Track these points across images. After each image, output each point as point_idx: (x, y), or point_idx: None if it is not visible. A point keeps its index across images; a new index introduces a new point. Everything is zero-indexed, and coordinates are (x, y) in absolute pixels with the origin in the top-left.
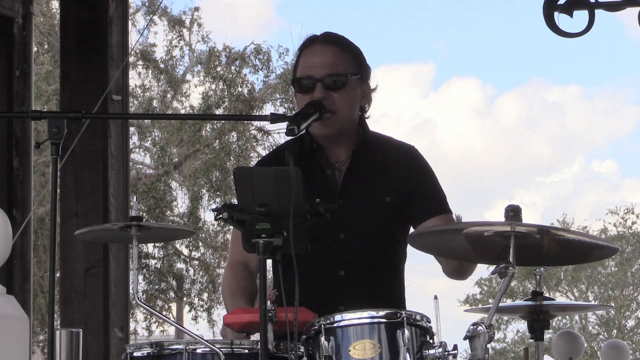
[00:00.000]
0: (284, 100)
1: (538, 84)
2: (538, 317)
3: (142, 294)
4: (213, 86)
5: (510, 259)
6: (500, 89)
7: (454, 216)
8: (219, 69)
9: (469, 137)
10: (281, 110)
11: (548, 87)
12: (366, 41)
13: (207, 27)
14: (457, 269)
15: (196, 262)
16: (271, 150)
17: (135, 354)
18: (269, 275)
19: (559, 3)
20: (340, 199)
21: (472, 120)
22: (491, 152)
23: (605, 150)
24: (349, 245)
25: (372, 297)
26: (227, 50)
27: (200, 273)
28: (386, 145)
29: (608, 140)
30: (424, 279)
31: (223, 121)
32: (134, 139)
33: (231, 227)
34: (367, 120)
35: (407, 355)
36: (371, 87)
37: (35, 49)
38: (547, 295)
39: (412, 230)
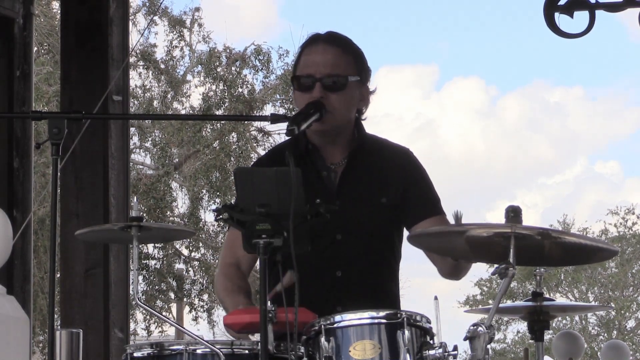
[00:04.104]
0: (284, 101)
1: (540, 85)
2: (538, 317)
3: (142, 295)
4: (213, 87)
5: (511, 260)
6: (502, 90)
7: (452, 215)
8: (219, 69)
9: (472, 138)
10: (281, 111)
11: (550, 89)
12: (368, 41)
13: (208, 27)
14: (454, 269)
15: (196, 263)
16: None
17: (135, 355)
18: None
19: (559, 4)
20: (337, 200)
21: (474, 121)
22: (493, 153)
23: (607, 152)
24: (346, 246)
25: (369, 297)
26: (228, 50)
27: (201, 273)
28: (381, 147)
29: (610, 141)
30: (424, 280)
31: (223, 122)
32: (135, 140)
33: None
34: (367, 120)
35: (407, 355)
36: (370, 90)
37: (36, 49)
38: (547, 296)
39: (406, 231)
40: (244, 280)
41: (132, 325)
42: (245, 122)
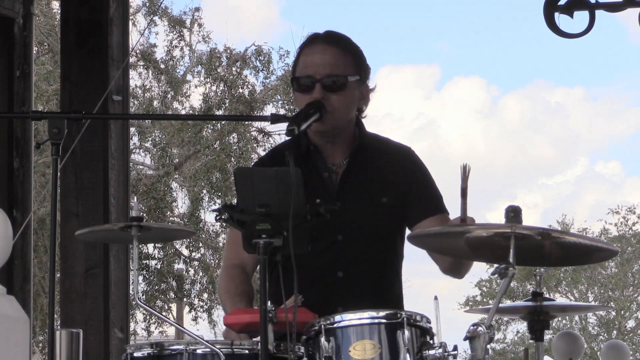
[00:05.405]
0: (284, 102)
1: (541, 85)
2: (538, 317)
3: (142, 295)
4: (214, 87)
5: (511, 260)
6: (503, 90)
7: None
8: (219, 70)
9: (472, 138)
10: (282, 112)
11: (551, 89)
12: (369, 41)
13: (208, 27)
14: (454, 266)
15: (196, 263)
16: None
17: (135, 355)
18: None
19: (559, 4)
20: (337, 201)
21: (475, 121)
22: (494, 153)
23: (607, 152)
24: (347, 247)
25: (371, 298)
26: (228, 51)
27: (201, 274)
28: (383, 146)
29: (611, 141)
30: (424, 280)
31: (224, 122)
32: (135, 140)
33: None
34: (368, 120)
35: (407, 355)
36: (370, 88)
37: (36, 49)
38: (547, 296)
39: (407, 230)
40: (247, 284)
41: (132, 325)
42: (246, 122)
